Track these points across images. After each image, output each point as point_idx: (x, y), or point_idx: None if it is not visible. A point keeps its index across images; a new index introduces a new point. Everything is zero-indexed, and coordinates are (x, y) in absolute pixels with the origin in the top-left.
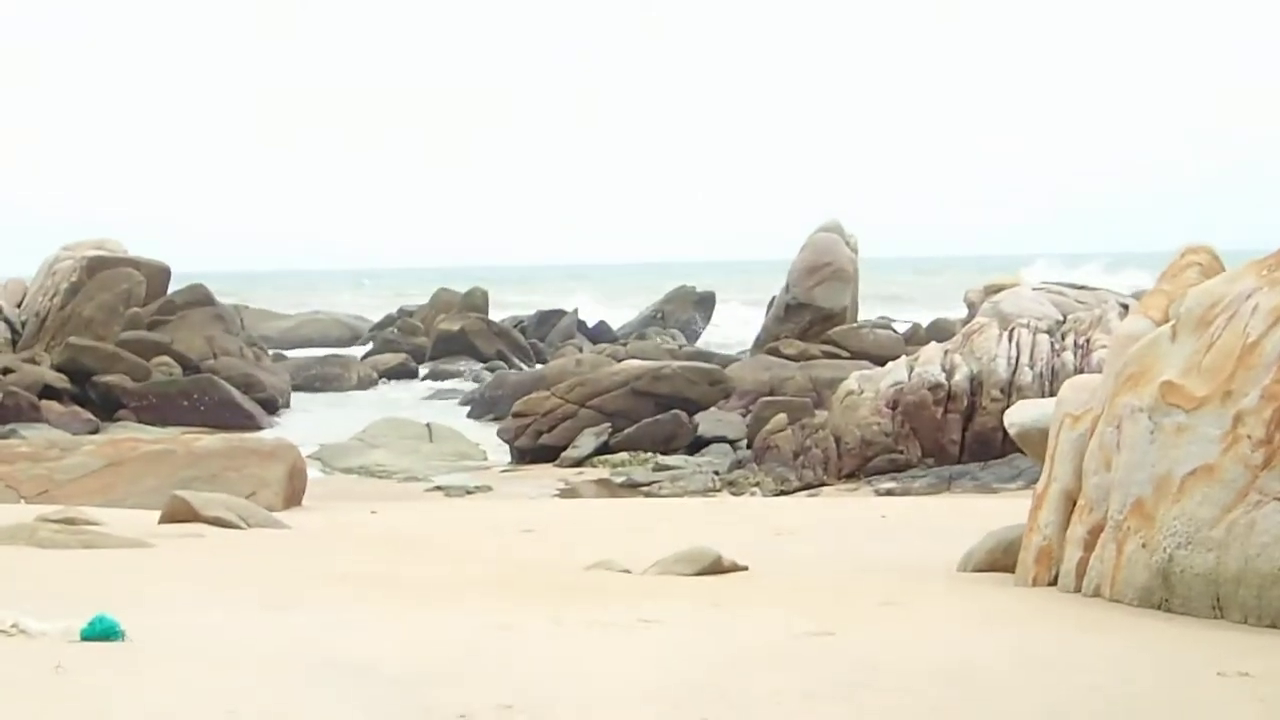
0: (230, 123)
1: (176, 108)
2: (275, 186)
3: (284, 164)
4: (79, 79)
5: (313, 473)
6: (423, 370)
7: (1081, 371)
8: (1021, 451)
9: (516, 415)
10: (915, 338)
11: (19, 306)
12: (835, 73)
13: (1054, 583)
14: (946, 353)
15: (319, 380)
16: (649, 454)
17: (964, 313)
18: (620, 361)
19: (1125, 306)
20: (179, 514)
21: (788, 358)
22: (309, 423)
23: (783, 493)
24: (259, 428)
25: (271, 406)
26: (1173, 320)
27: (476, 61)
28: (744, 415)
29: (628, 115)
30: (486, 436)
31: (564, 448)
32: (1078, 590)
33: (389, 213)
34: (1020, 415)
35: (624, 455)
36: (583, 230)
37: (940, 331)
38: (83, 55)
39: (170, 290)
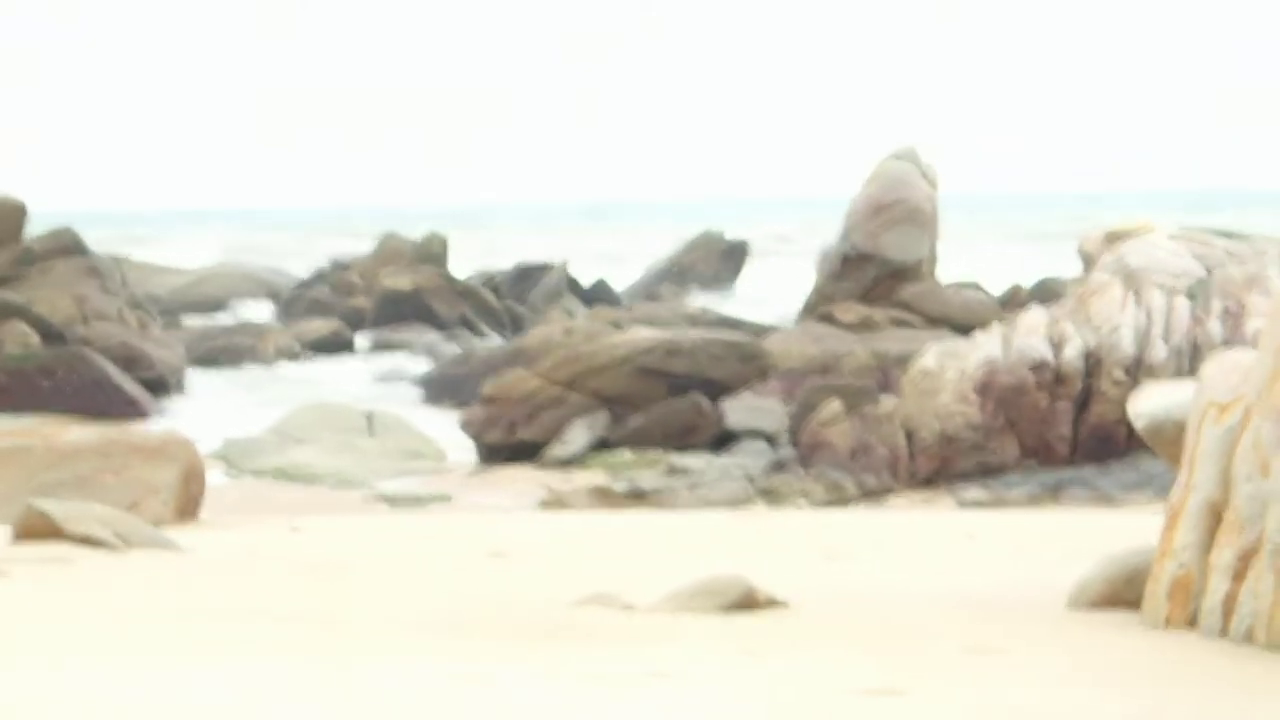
0: (230, 123)
1: (176, 108)
2: (275, 186)
3: (284, 164)
4: (79, 79)
5: (215, 476)
6: (362, 341)
7: (1231, 346)
8: (1151, 451)
9: (486, 401)
10: (1015, 300)
11: None
12: (842, 65)
13: (1193, 623)
14: (1054, 320)
15: (224, 354)
16: (660, 452)
17: (1077, 268)
18: (623, 331)
19: None
20: (36, 530)
21: (845, 326)
22: (210, 410)
23: (836, 503)
24: (144, 417)
25: (161, 388)
26: None
27: (476, 61)
28: (786, 402)
29: (628, 115)
30: (446, 429)
31: (548, 444)
32: (1224, 634)
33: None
34: (1150, 404)
35: (627, 454)
36: (580, 159)
37: (1048, 293)
38: (83, 55)
39: (28, 235)
